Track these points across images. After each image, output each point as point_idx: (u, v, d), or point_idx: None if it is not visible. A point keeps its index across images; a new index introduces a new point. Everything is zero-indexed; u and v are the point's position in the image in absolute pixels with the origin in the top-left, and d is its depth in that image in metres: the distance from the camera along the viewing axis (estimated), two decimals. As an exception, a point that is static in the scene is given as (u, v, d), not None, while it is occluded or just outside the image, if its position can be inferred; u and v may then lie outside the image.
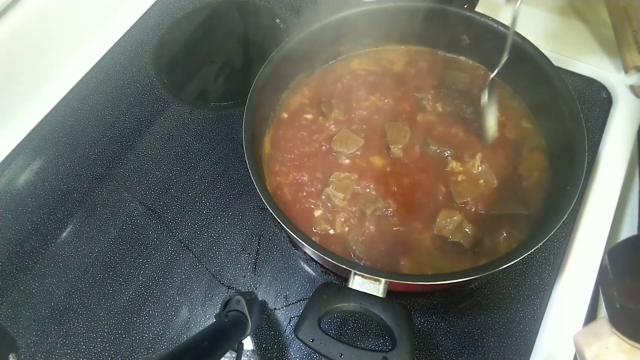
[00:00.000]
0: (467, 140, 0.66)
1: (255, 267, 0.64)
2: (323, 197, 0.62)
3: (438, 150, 0.64)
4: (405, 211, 0.61)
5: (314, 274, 0.64)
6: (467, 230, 0.58)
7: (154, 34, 0.89)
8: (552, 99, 0.62)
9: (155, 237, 0.67)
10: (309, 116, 0.70)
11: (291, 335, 0.59)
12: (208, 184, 0.71)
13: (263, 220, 0.68)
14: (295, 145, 0.67)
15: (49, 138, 0.78)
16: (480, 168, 0.63)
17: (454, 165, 0.63)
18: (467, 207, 0.61)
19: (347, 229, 0.60)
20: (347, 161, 0.65)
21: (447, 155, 0.64)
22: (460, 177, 0.62)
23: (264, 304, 0.61)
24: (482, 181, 0.62)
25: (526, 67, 0.65)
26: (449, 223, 0.58)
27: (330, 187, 0.61)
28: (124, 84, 0.83)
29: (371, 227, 0.60)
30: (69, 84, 0.83)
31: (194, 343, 0.45)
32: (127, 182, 0.72)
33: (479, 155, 0.63)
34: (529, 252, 0.49)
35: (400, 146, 0.64)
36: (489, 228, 0.59)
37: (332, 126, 0.68)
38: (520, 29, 0.65)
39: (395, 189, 0.62)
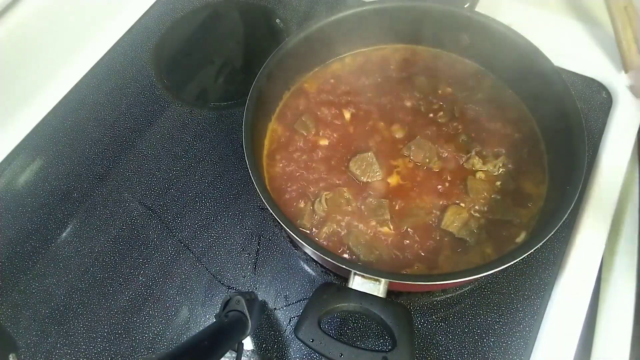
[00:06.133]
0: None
1: (255, 267, 0.64)
2: (316, 202, 0.62)
3: (466, 137, 0.65)
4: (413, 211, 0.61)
5: (314, 274, 0.64)
6: (474, 228, 0.58)
7: (154, 34, 0.89)
8: (552, 99, 0.62)
9: (155, 237, 0.67)
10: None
11: (291, 335, 0.59)
12: (208, 184, 0.71)
13: (263, 220, 0.68)
14: (294, 146, 0.67)
15: (49, 138, 0.78)
16: (500, 170, 0.63)
17: (475, 161, 0.63)
18: (475, 205, 0.61)
19: (344, 232, 0.60)
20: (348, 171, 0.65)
21: (474, 147, 0.64)
22: (478, 175, 0.63)
23: (264, 304, 0.61)
24: (498, 183, 0.62)
25: (526, 67, 0.65)
26: (457, 219, 0.58)
27: (323, 196, 0.61)
28: (124, 84, 0.83)
29: (369, 230, 0.60)
30: (69, 84, 0.83)
31: (194, 343, 0.45)
32: (127, 182, 0.72)
33: (502, 157, 0.63)
34: (529, 252, 0.49)
35: (430, 161, 0.64)
36: (494, 226, 0.60)
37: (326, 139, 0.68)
38: (521, 29, 0.66)
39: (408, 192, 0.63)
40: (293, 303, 0.62)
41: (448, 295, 0.61)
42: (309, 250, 0.58)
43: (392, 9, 0.70)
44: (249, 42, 0.88)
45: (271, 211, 0.53)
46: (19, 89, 0.79)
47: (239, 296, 0.52)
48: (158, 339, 0.60)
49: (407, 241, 0.59)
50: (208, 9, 0.92)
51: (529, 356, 0.57)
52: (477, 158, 0.63)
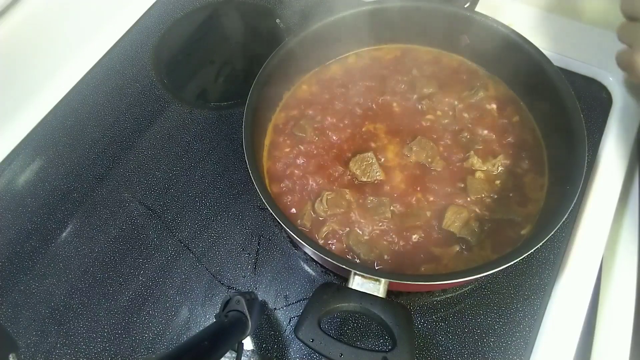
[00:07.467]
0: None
1: (255, 267, 0.64)
2: (316, 201, 0.62)
3: (467, 135, 0.65)
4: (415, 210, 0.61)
5: (314, 274, 0.64)
6: (475, 227, 0.59)
7: (154, 34, 0.89)
8: (552, 99, 0.62)
9: (155, 237, 0.67)
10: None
11: (291, 335, 0.59)
12: (208, 184, 0.71)
13: (263, 220, 0.68)
14: (295, 146, 0.67)
15: (49, 138, 0.78)
16: (499, 170, 0.63)
17: (474, 161, 0.63)
18: (475, 205, 0.61)
19: (344, 232, 0.60)
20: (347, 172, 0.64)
21: (473, 147, 0.64)
22: (478, 175, 0.63)
23: (264, 304, 0.62)
24: (498, 182, 0.62)
25: (526, 67, 0.65)
26: (457, 219, 0.59)
27: (324, 196, 0.61)
28: (124, 84, 0.83)
29: (370, 229, 0.60)
30: (69, 84, 0.83)
31: (194, 343, 0.45)
32: (127, 182, 0.72)
33: (500, 157, 0.63)
34: (528, 252, 0.49)
35: (432, 161, 0.64)
36: (495, 226, 0.60)
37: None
38: (521, 29, 0.66)
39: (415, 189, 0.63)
40: (293, 303, 0.62)
41: (448, 295, 0.61)
42: (309, 250, 0.58)
43: (392, 9, 0.70)
44: (249, 42, 0.88)
45: (271, 211, 0.53)
46: (19, 89, 0.79)
47: (239, 296, 0.52)
48: (158, 339, 0.60)
49: (408, 241, 0.59)
50: (208, 9, 0.92)
51: (529, 356, 0.57)
52: (476, 157, 0.63)
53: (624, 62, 0.61)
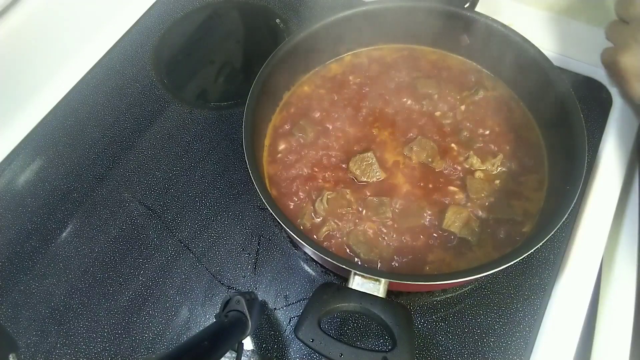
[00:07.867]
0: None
1: (255, 267, 0.64)
2: (317, 201, 0.62)
3: (467, 135, 0.66)
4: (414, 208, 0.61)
5: (314, 274, 0.64)
6: (475, 227, 0.59)
7: (154, 34, 0.89)
8: (552, 99, 0.62)
9: (155, 237, 0.67)
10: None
11: (291, 335, 0.59)
12: (208, 184, 0.71)
13: (263, 220, 0.68)
14: (295, 146, 0.67)
15: (49, 138, 0.78)
16: (499, 169, 0.63)
17: (474, 161, 0.63)
18: (476, 205, 0.61)
19: (344, 231, 0.60)
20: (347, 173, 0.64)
21: (473, 147, 0.65)
22: (477, 174, 0.63)
23: (264, 304, 0.62)
24: (497, 182, 0.62)
25: (526, 67, 0.65)
26: (458, 219, 0.59)
27: (325, 196, 0.61)
28: (124, 84, 0.83)
29: (370, 229, 0.60)
30: (69, 84, 0.83)
31: (194, 343, 0.45)
32: (127, 182, 0.72)
33: (499, 156, 0.63)
34: (528, 252, 0.49)
35: (432, 161, 0.64)
36: (495, 225, 0.60)
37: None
38: (521, 29, 0.66)
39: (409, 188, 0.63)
40: (293, 303, 0.62)
41: (448, 295, 0.61)
42: (309, 250, 0.58)
43: (392, 9, 0.70)
44: (249, 42, 0.88)
45: (271, 211, 0.53)
46: (19, 89, 0.79)
47: (239, 296, 0.52)
48: (158, 339, 0.60)
49: (408, 240, 0.59)
50: (208, 9, 0.92)
51: (529, 356, 0.57)
52: (475, 157, 0.63)
53: (607, 60, 0.62)
